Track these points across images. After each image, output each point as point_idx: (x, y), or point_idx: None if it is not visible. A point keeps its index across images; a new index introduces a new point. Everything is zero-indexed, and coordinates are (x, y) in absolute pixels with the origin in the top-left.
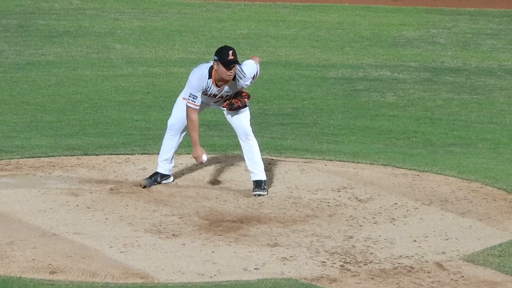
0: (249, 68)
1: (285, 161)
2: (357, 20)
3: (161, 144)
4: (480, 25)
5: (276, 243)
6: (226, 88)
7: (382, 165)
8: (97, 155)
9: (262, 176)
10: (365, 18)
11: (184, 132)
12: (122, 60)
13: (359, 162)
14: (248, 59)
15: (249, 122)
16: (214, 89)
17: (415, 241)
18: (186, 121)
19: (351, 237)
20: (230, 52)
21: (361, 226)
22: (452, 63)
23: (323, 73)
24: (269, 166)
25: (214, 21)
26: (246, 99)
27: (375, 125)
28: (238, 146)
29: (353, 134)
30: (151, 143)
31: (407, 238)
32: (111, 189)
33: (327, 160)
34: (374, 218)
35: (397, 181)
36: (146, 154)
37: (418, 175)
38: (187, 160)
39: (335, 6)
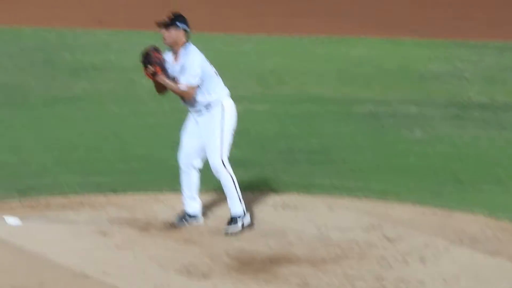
0: (191, 62)
1: (313, 199)
2: (383, 55)
3: (181, 185)
4: (506, 59)
5: (306, 284)
6: (177, 66)
7: (411, 203)
8: (126, 193)
9: (237, 211)
10: (391, 52)
11: (199, 166)
12: (149, 95)
13: (388, 200)
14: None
15: (219, 156)
16: (170, 58)
17: (446, 281)
18: (193, 154)
19: (381, 278)
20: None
21: (391, 266)
22: (479, 99)
23: (350, 109)
24: (297, 204)
25: (239, 54)
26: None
27: (403, 162)
28: (265, 184)
29: (381, 172)
30: (180, 180)
31: (438, 278)
32: (141, 228)
33: (356, 198)
34: (405, 258)
35: (427, 220)
36: (175, 193)
37: (448, 213)
38: (216, 198)
39: (362, 40)
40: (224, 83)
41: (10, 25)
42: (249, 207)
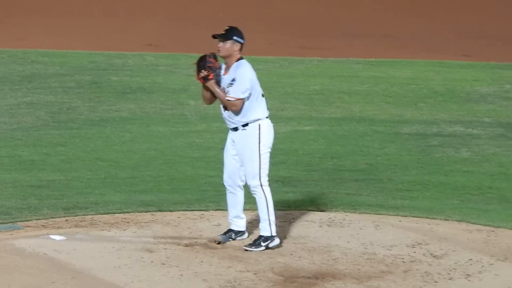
0: (242, 76)
1: (359, 217)
2: (430, 76)
3: (226, 204)
4: None
5: None
6: (227, 79)
7: (456, 221)
8: (171, 211)
9: (265, 231)
10: (438, 73)
11: (243, 183)
12: (196, 116)
13: (434, 218)
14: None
15: (257, 178)
16: (222, 71)
17: None
18: (236, 174)
19: None
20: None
21: (436, 282)
22: None
23: (397, 129)
24: (343, 222)
25: (287, 76)
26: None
27: (450, 181)
28: (312, 202)
29: (427, 190)
30: (225, 199)
31: None
32: (186, 245)
33: (402, 216)
34: (449, 274)
35: (472, 237)
36: (221, 210)
37: (493, 231)
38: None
39: (408, 61)
40: (270, 104)
41: (58, 49)
42: (295, 224)
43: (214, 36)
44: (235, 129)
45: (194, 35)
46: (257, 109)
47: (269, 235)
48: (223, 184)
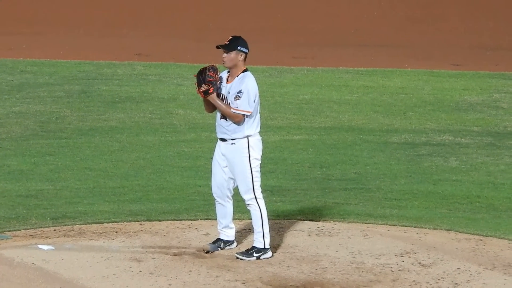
0: (250, 89)
1: (348, 226)
2: (419, 85)
3: (216, 214)
4: None
5: None
6: (231, 88)
7: (445, 230)
8: (160, 220)
9: (258, 243)
10: (427, 82)
11: (231, 194)
12: (185, 126)
13: (422, 227)
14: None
15: (251, 192)
16: (224, 80)
17: None
18: (225, 185)
19: None
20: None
21: None
22: None
23: (386, 138)
24: (332, 232)
25: (277, 86)
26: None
27: (438, 190)
28: (300, 211)
29: (416, 199)
30: (214, 208)
31: None
32: (174, 255)
33: (390, 225)
34: (437, 283)
35: (460, 246)
36: (209, 219)
37: (481, 239)
38: (250, 225)
39: (398, 71)
40: (259, 113)
41: (47, 58)
42: (283, 234)
43: (218, 47)
44: (224, 140)
45: (183, 44)
46: (253, 125)
47: (262, 247)
48: (213, 195)
